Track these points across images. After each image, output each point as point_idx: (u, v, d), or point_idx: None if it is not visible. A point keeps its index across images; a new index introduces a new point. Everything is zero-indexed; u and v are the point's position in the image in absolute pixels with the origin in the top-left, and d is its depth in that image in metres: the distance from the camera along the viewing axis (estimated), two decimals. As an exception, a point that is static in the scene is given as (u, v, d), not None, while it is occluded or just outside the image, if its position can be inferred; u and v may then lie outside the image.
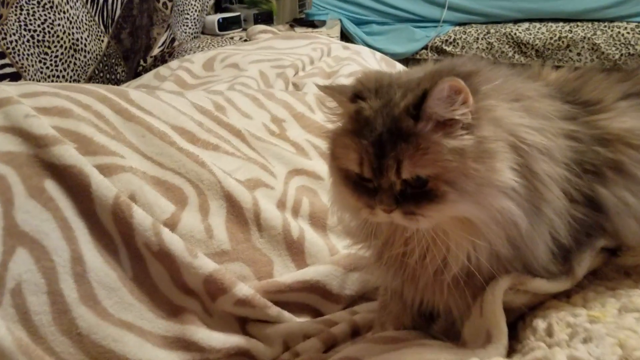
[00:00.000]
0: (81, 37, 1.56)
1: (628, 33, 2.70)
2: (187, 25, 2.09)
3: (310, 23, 2.63)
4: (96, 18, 1.63)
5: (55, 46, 1.49)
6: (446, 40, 2.88)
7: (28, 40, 1.42)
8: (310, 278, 0.82)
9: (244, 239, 0.82)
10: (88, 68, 1.61)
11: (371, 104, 0.55)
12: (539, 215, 0.54)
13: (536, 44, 2.78)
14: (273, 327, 0.78)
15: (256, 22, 2.40)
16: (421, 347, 0.60)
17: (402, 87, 0.55)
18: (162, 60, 1.93)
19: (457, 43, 2.87)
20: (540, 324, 0.58)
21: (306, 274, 0.82)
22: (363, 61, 1.51)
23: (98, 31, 1.63)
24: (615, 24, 2.74)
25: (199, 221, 0.79)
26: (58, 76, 1.53)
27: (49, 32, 1.47)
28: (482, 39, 2.85)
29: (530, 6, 2.82)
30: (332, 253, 0.87)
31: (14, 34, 1.38)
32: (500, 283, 0.58)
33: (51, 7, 1.46)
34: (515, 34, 2.80)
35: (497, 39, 2.82)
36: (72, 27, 1.54)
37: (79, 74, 1.59)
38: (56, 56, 1.50)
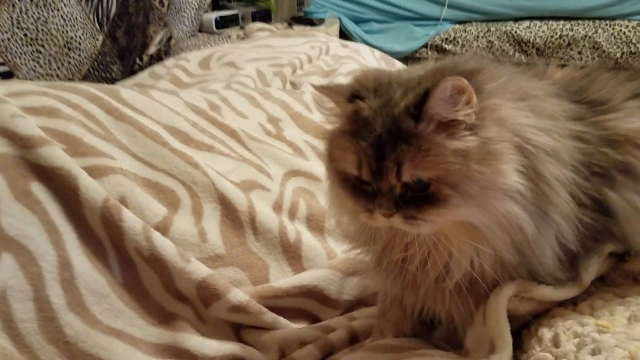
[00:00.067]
0: (75, 35, 1.54)
1: (630, 31, 2.68)
2: (184, 24, 2.08)
3: (309, 21, 2.62)
4: (91, 16, 1.61)
5: (49, 44, 1.48)
6: (446, 39, 2.86)
7: (21, 39, 1.40)
8: (308, 283, 0.80)
9: (239, 242, 0.80)
10: (82, 67, 1.60)
11: (370, 103, 0.53)
12: (546, 219, 0.53)
13: (537, 43, 2.76)
14: (269, 334, 0.76)
15: (254, 20, 2.38)
16: (422, 357, 0.59)
17: (402, 85, 0.53)
18: (158, 58, 1.91)
19: (457, 41, 2.86)
20: (546, 333, 0.56)
21: (303, 278, 0.81)
22: (362, 59, 1.49)
23: (93, 29, 1.61)
24: (617, 22, 2.73)
25: (192, 224, 0.77)
26: (52, 75, 1.51)
27: (42, 30, 1.45)
28: (482, 37, 2.84)
29: (531, 4, 2.80)
30: (330, 257, 0.86)
31: (6, 32, 1.36)
32: (505, 290, 0.56)
33: (44, 5, 1.44)
34: (515, 32, 2.79)
35: (497, 37, 2.80)
36: (66, 25, 1.52)
37: (73, 73, 1.58)
38: (50, 55, 1.48)
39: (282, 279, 0.81)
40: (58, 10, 1.47)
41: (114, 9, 1.68)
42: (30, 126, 0.71)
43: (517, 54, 2.81)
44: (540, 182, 0.51)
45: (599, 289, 0.63)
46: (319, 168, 0.94)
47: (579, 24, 2.76)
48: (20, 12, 1.38)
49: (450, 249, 0.54)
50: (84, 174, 0.70)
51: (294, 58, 1.43)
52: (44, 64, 1.47)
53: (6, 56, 1.37)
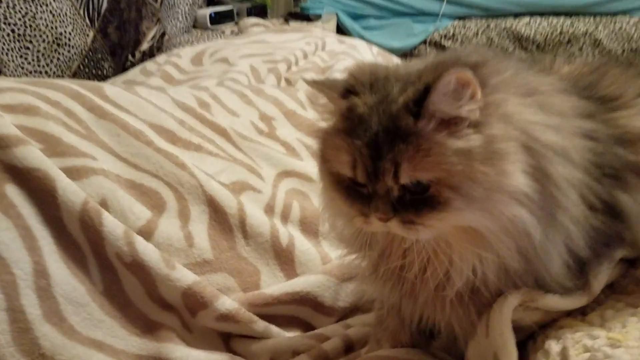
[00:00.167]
0: (65, 31, 1.52)
1: (631, 28, 2.67)
2: (178, 19, 2.06)
3: (305, 17, 2.59)
4: (81, 11, 1.59)
5: (37, 41, 1.45)
6: (445, 35, 2.84)
7: (8, 35, 1.38)
8: (301, 289, 0.78)
9: (228, 247, 0.78)
10: (72, 63, 1.58)
11: (365, 99, 0.50)
12: (554, 224, 0.50)
13: (537, 39, 2.74)
14: (259, 343, 0.74)
15: (249, 15, 2.36)
16: (421, 371, 0.55)
17: (401, 80, 0.50)
18: (151, 55, 1.89)
19: (457, 38, 2.83)
20: (553, 346, 0.53)
21: (296, 284, 0.78)
22: (359, 55, 1.47)
23: (83, 25, 1.59)
24: (618, 18, 2.71)
25: (178, 228, 0.75)
26: (40, 72, 1.49)
27: (31, 25, 1.42)
28: (481, 34, 2.81)
29: (531, 0, 2.78)
30: (325, 262, 0.83)
31: (-7, 28, 1.33)
32: (509, 300, 0.53)
33: (32, 0, 1.41)
34: (515, 28, 2.77)
35: (497, 33, 2.78)
36: (55, 21, 1.49)
37: (62, 70, 1.55)
38: (38, 51, 1.46)
39: (274, 285, 0.78)
40: (47, 5, 1.45)
41: (105, 4, 1.66)
42: (5, 125, 0.67)
43: (517, 51, 2.78)
44: (548, 184, 0.48)
45: (609, 297, 0.60)
46: (313, 168, 0.90)
47: (579, 20, 2.74)
48: (8, 7, 1.36)
49: (451, 256, 0.51)
50: (62, 176, 0.67)
51: (289, 54, 1.41)
52: (32, 60, 1.45)
53: (-7, 53, 1.34)
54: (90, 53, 1.61)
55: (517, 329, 0.53)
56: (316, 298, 0.78)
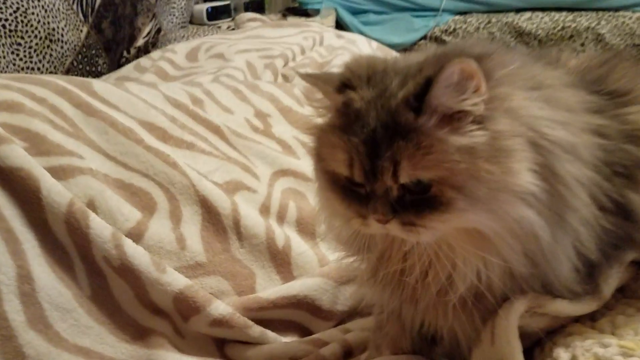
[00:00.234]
0: (57, 27, 1.50)
1: (633, 23, 2.66)
2: (174, 15, 2.05)
3: (303, 12, 2.57)
4: (74, 6, 1.58)
5: (29, 36, 1.43)
6: (446, 30, 2.83)
7: (-1, 30, 1.36)
8: (298, 292, 0.76)
9: (222, 249, 0.76)
10: (65, 60, 1.56)
11: (362, 94, 0.48)
12: (563, 225, 0.48)
13: (539, 34, 2.73)
14: (255, 349, 0.72)
15: (247, 11, 2.34)
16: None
17: (400, 73, 0.48)
18: (146, 51, 1.87)
19: (458, 33, 2.82)
20: (562, 354, 0.52)
21: (293, 288, 0.76)
22: (358, 50, 1.46)
23: (76, 20, 1.57)
24: (620, 13, 2.70)
25: (169, 230, 0.73)
26: (32, 68, 1.47)
27: (22, 21, 1.40)
28: (483, 29, 2.80)
29: (533, -5, 2.76)
30: (322, 264, 0.82)
31: (-17, 23, 1.32)
32: (515, 306, 0.51)
33: (24, -5, 1.39)
34: (517, 23, 2.76)
35: (498, 28, 2.77)
36: (48, 16, 1.47)
37: (55, 66, 1.53)
38: (30, 47, 1.44)
39: (270, 288, 0.77)
40: (39, 0, 1.42)
41: (99, -1, 1.64)
42: (-13, 122, 0.65)
43: (518, 46, 2.76)
44: (556, 183, 0.46)
45: (619, 301, 0.59)
46: (310, 167, 0.86)
47: (581, 16, 2.73)
48: (-2, 2, 1.34)
49: (454, 259, 0.49)
50: (46, 176, 0.65)
51: (286, 49, 1.39)
52: (24, 56, 1.43)
53: (-18, 49, 1.32)
54: (84, 49, 1.59)
55: (523, 335, 0.52)
56: (314, 302, 0.76)
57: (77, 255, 0.65)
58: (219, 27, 2.06)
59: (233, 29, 1.94)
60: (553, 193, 0.46)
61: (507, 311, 0.51)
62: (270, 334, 0.73)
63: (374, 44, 1.59)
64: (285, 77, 1.30)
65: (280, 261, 0.79)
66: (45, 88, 0.76)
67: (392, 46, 2.10)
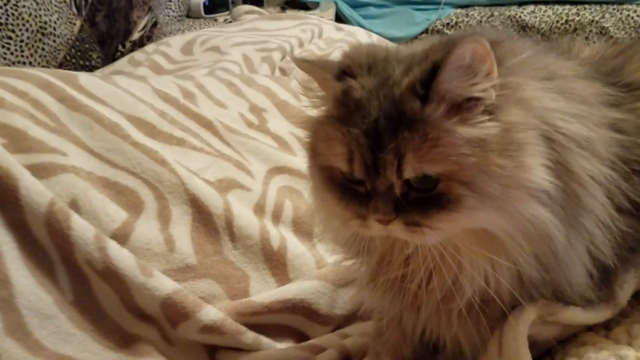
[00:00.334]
0: (50, 20, 1.47)
1: (638, 16, 2.63)
2: (171, 8, 2.03)
3: (302, 5, 2.57)
4: None
5: (21, 30, 1.40)
6: (447, 24, 2.81)
7: (-11, 23, 1.34)
8: (294, 296, 0.74)
9: (214, 251, 0.73)
10: (58, 54, 1.53)
11: (363, 82, 0.45)
12: (576, 227, 0.45)
13: (542, 28, 2.71)
14: (248, 356, 0.70)
15: (245, 4, 2.30)
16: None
17: (404, 61, 0.45)
18: (141, 45, 1.85)
19: (459, 27, 2.80)
20: None
21: (288, 291, 0.74)
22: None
23: (69, 13, 1.54)
24: (625, 6, 2.69)
25: (157, 231, 0.70)
26: (24, 62, 1.45)
27: (13, 14, 1.37)
28: (485, 22, 2.78)
29: (536, -13, 2.74)
30: (320, 266, 0.79)
31: (-28, 16, 1.29)
32: (525, 314, 0.49)
33: (15, -13, 1.37)
34: (520, 16, 2.74)
35: (501, 22, 2.74)
36: (40, 9, 1.44)
37: (48, 60, 1.51)
38: (21, 40, 1.42)
39: (264, 291, 0.74)
40: (30, -8, 1.41)
41: (92, -8, 1.61)
42: (-37, 118, 0.62)
43: (526, 37, 2.74)
44: (570, 181, 0.44)
45: (635, 308, 0.56)
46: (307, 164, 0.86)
47: (585, 9, 2.72)
48: (-12, -6, 1.32)
49: (461, 262, 0.47)
50: (26, 174, 0.62)
51: (283, 42, 1.36)
52: (16, 50, 1.40)
53: (-28, 42, 1.30)
54: (77, 43, 1.56)
55: (532, 344, 0.49)
56: (310, 305, 0.74)
57: (59, 258, 0.63)
58: (216, 20, 2.04)
59: (230, 22, 1.91)
60: (567, 192, 0.43)
61: (516, 319, 0.49)
62: (264, 340, 0.71)
63: (375, 36, 1.57)
64: (283, 71, 1.28)
65: (276, 263, 0.77)
66: (27, 81, 0.73)
67: (393, 40, 2.07)
